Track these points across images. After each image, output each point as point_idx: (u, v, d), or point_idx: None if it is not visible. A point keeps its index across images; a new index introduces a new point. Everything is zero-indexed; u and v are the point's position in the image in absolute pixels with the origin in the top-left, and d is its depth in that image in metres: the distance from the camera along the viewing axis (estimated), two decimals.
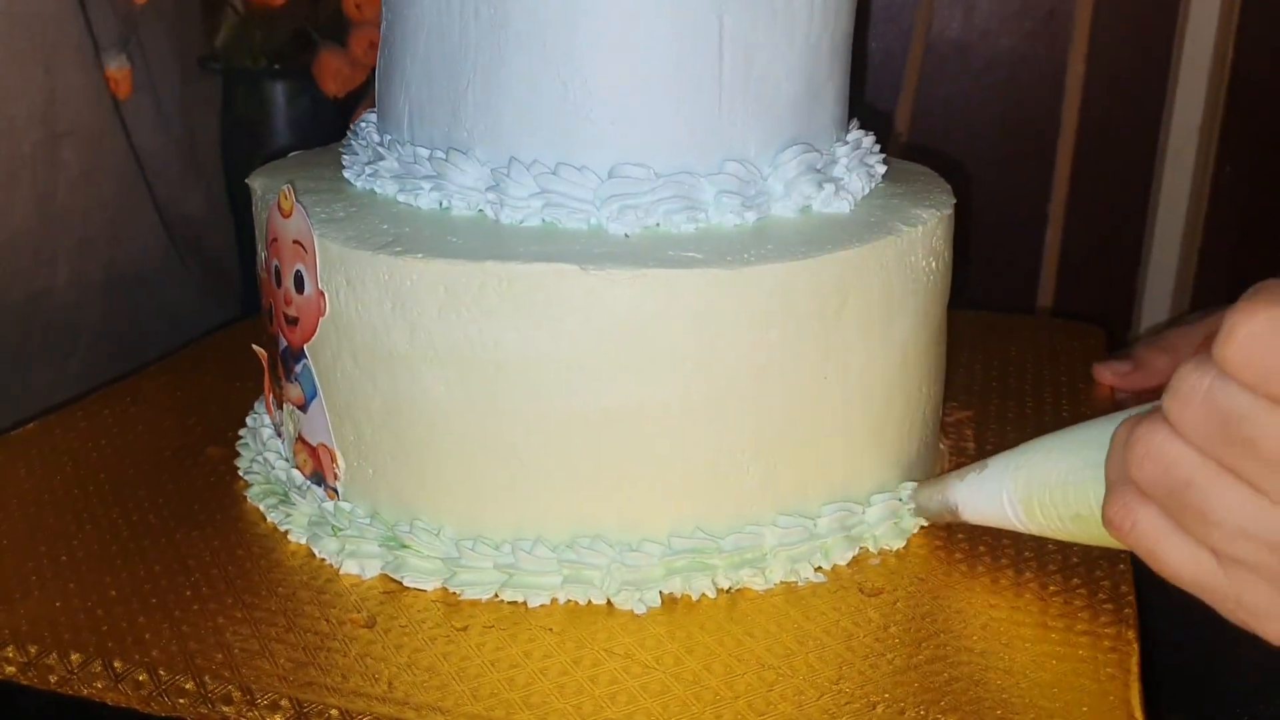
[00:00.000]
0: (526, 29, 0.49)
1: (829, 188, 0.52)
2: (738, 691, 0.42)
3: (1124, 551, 0.45)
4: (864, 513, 0.51)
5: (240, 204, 0.94)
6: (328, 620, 0.46)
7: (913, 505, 0.52)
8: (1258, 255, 1.04)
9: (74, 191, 0.81)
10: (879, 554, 0.51)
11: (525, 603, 0.48)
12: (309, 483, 0.54)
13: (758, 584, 0.48)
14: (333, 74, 0.90)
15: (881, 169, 0.57)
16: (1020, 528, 0.48)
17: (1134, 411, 0.40)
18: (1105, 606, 0.47)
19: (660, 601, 0.47)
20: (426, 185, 0.52)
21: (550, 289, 0.45)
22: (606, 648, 0.45)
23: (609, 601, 0.48)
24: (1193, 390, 0.33)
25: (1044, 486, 0.45)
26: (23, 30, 0.75)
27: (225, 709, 0.42)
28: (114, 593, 0.48)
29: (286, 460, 0.56)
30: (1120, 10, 1.02)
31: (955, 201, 0.55)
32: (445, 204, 0.51)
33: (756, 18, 0.49)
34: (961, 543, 0.52)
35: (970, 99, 1.05)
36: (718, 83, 0.49)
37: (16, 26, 0.74)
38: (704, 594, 0.48)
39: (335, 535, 0.51)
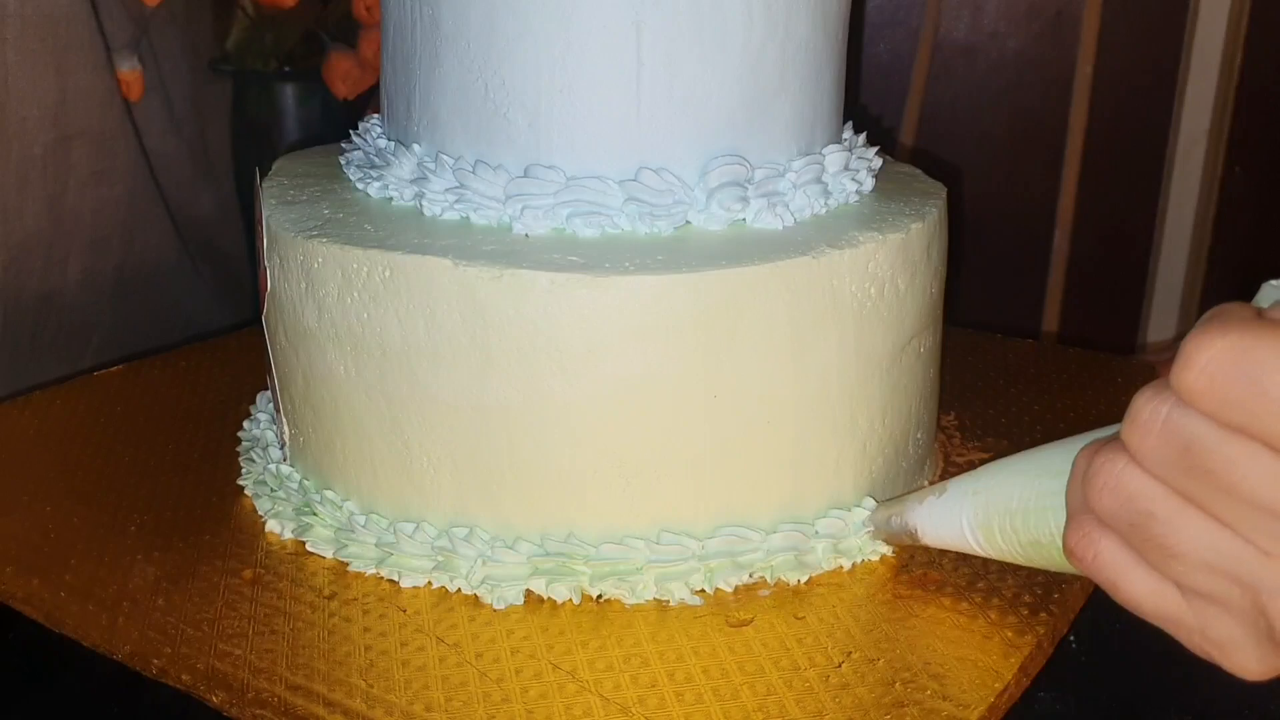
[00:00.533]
0: (454, 30, 0.50)
1: (759, 202, 0.50)
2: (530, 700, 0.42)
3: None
4: (763, 540, 0.49)
5: (250, 205, 0.94)
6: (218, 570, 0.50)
7: (871, 527, 0.51)
8: (1267, 257, 1.04)
9: (85, 193, 0.82)
10: (774, 585, 0.49)
11: (398, 581, 0.49)
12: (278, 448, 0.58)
13: (625, 596, 0.48)
14: (342, 76, 0.90)
15: (853, 185, 0.55)
16: (980, 552, 0.47)
17: (1097, 435, 0.39)
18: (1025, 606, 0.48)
19: (523, 600, 0.48)
20: (374, 175, 0.54)
21: (424, 280, 0.47)
22: (439, 634, 0.46)
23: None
24: (1151, 419, 0.32)
25: (1004, 512, 0.44)
26: (35, 33, 0.75)
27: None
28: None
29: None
30: (1128, 12, 1.02)
31: (917, 227, 0.53)
32: (387, 195, 0.54)
33: (679, 27, 0.49)
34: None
35: (978, 102, 1.05)
36: (636, 90, 0.49)
37: (29, 29, 0.75)
38: (569, 599, 0.48)
39: (269, 496, 0.55)
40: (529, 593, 0.49)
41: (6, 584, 0.50)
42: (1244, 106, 1.02)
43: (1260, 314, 0.32)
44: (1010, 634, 0.46)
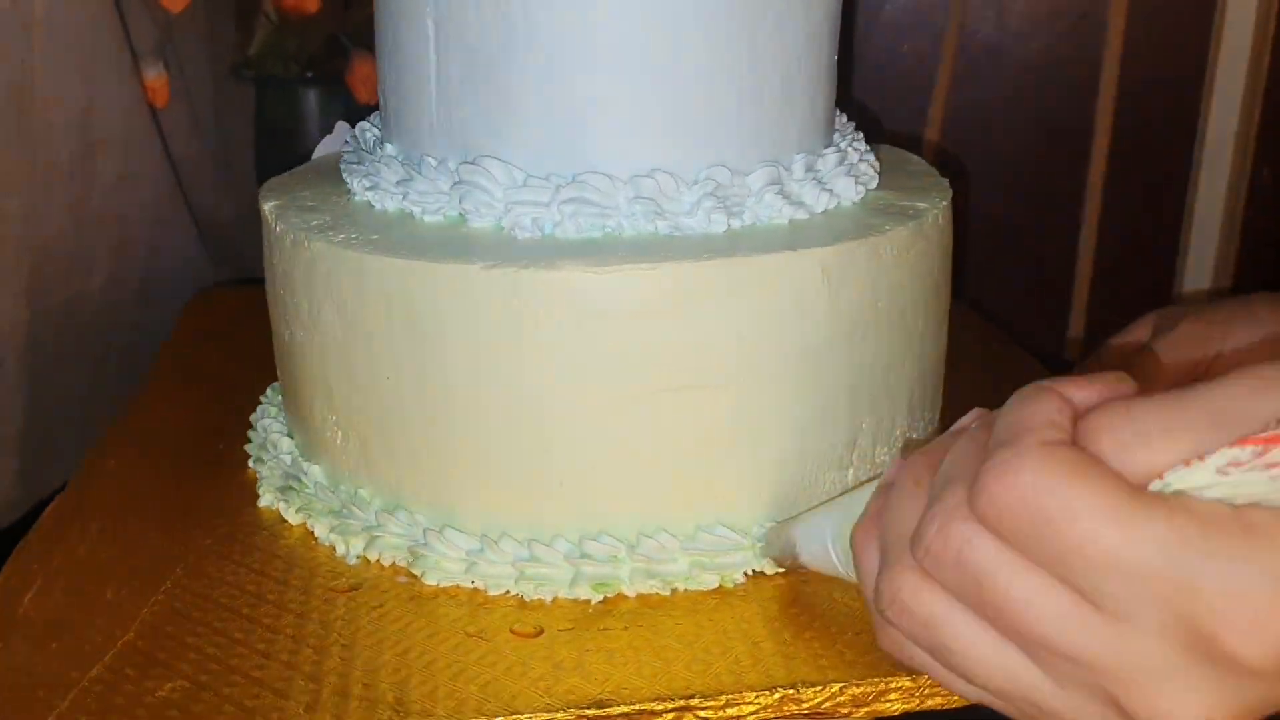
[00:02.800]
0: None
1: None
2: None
3: None
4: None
5: None
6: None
7: (761, 545, 0.49)
8: None
9: (110, 198, 0.83)
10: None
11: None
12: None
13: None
14: (364, 81, 0.90)
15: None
16: (843, 574, 0.44)
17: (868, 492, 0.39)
18: None
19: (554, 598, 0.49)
20: (367, 181, 0.56)
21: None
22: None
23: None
24: (944, 547, 0.31)
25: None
26: (61, 40, 0.76)
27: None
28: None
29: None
30: (1154, 12, 1.01)
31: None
32: (379, 200, 0.55)
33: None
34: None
35: (1002, 102, 1.04)
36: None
37: (55, 36, 0.75)
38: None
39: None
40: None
41: None
42: (1272, 108, 1.01)
43: (1072, 415, 0.31)
44: None
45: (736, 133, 0.52)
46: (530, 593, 0.49)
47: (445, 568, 0.50)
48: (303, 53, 0.93)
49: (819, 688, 0.42)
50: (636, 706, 0.42)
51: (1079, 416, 0.31)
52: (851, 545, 0.39)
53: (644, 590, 0.49)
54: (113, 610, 0.48)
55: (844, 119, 0.61)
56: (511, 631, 0.47)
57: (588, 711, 0.42)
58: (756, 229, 0.51)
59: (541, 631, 0.46)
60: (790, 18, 0.52)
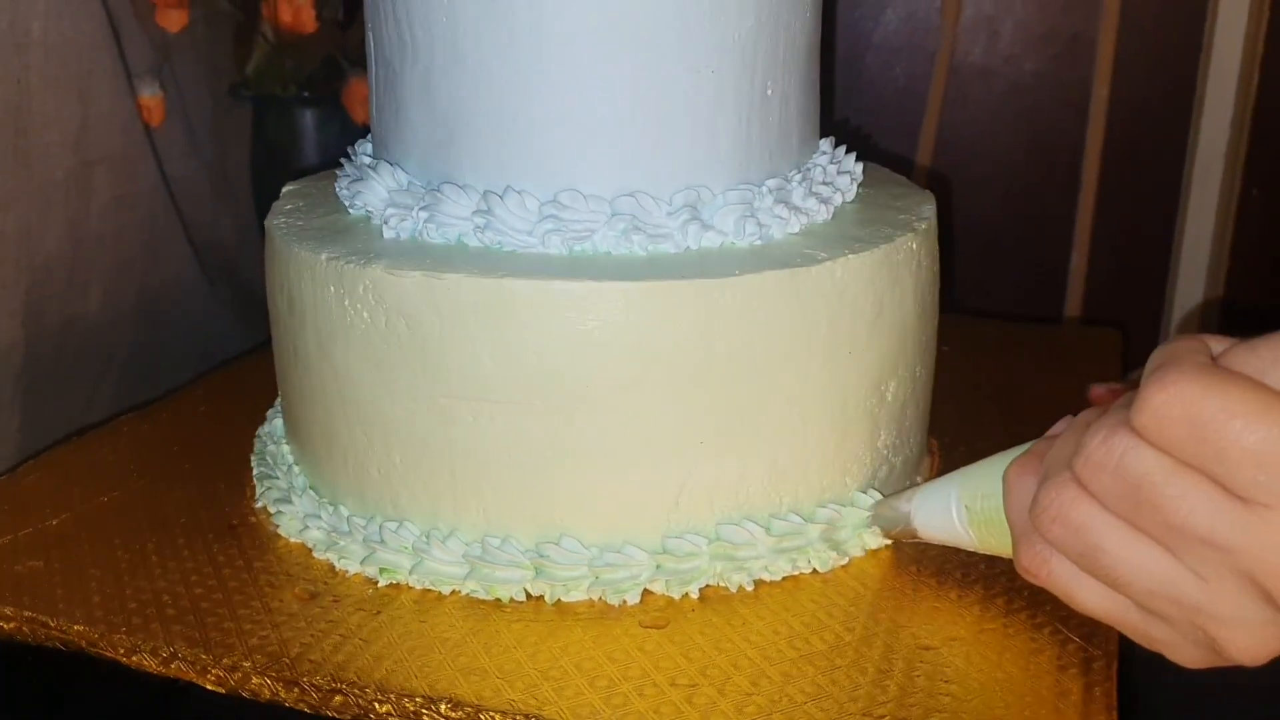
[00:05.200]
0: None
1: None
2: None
3: None
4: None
5: None
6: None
7: (872, 520, 0.53)
8: None
9: (106, 217, 0.83)
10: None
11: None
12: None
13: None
14: (362, 101, 0.91)
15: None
16: (969, 544, 0.49)
17: (1025, 449, 0.43)
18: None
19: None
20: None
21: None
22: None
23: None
24: (1106, 457, 0.35)
25: (989, 503, 0.46)
26: (58, 59, 0.76)
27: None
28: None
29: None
30: (1144, 33, 1.02)
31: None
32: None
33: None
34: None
35: (994, 124, 1.05)
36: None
37: (52, 55, 0.76)
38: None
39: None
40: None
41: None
42: (1261, 128, 1.02)
43: (1211, 354, 0.35)
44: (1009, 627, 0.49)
45: (714, 153, 0.53)
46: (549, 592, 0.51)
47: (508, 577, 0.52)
48: (300, 72, 0.93)
49: None
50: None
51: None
52: (1005, 480, 0.43)
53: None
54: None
55: (829, 141, 0.62)
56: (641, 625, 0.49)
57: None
58: (733, 247, 0.52)
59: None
60: (771, 40, 0.53)
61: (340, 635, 0.48)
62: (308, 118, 0.94)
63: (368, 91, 0.92)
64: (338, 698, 0.45)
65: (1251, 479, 0.33)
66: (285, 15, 0.91)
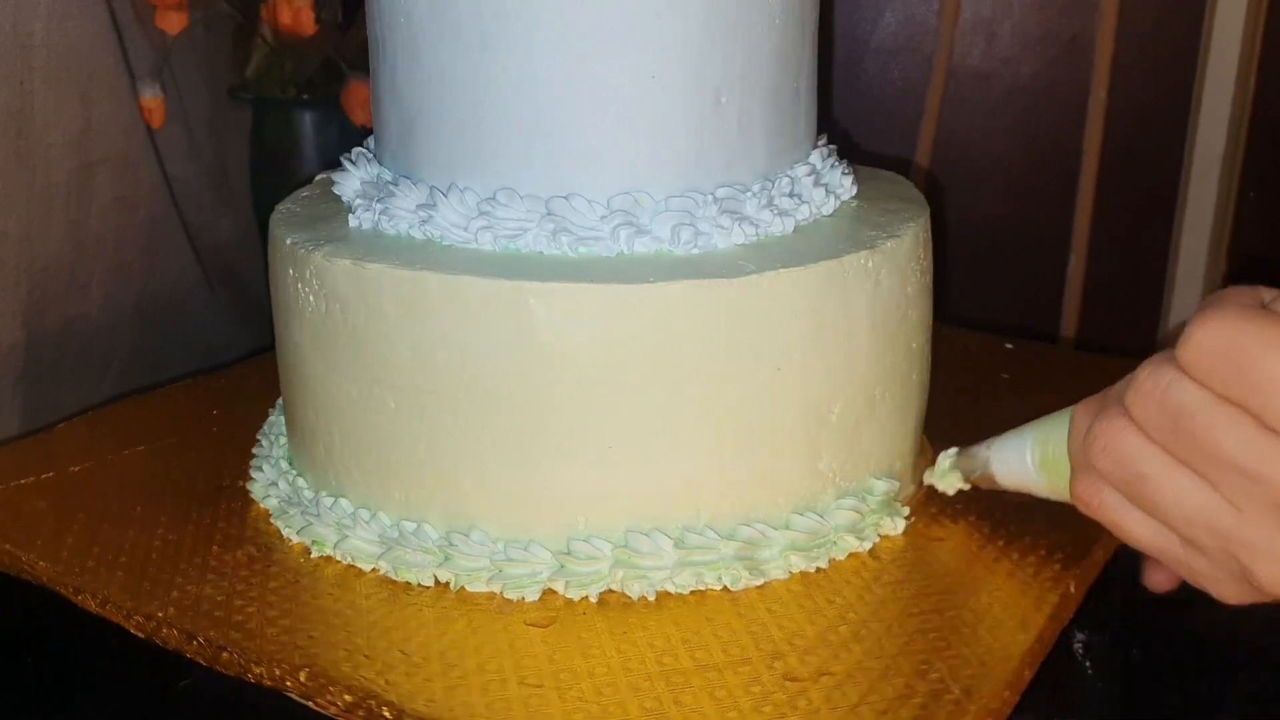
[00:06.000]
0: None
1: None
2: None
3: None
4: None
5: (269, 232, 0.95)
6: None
7: (954, 463, 0.55)
8: None
9: (107, 219, 0.83)
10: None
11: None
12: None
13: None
14: (361, 103, 0.91)
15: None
16: (1037, 485, 0.50)
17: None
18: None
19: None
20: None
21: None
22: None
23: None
24: (1153, 388, 0.38)
25: (1060, 441, 0.48)
26: (60, 61, 0.77)
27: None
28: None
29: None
30: (1142, 37, 1.02)
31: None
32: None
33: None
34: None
35: (992, 127, 1.05)
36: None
37: (54, 58, 0.76)
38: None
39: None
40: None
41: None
42: (1258, 131, 1.02)
43: (1261, 301, 0.37)
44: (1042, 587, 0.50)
45: (658, 160, 0.53)
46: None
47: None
48: (299, 75, 0.94)
49: None
50: None
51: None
52: (1073, 416, 0.45)
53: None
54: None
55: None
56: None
57: None
58: (668, 254, 0.52)
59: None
60: (726, 49, 0.52)
61: (252, 597, 0.51)
62: (307, 120, 0.94)
63: (366, 94, 0.92)
64: (224, 654, 0.47)
65: None
66: (285, 17, 0.92)
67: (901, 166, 0.98)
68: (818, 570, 0.52)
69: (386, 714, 0.43)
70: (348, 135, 0.93)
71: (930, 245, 0.58)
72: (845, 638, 0.47)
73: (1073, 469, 0.44)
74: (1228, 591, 0.40)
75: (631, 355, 0.49)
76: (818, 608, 0.49)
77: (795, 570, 0.52)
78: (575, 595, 0.50)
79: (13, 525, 0.57)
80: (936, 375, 0.61)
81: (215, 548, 0.55)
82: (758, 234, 0.53)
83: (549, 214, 0.51)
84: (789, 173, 0.57)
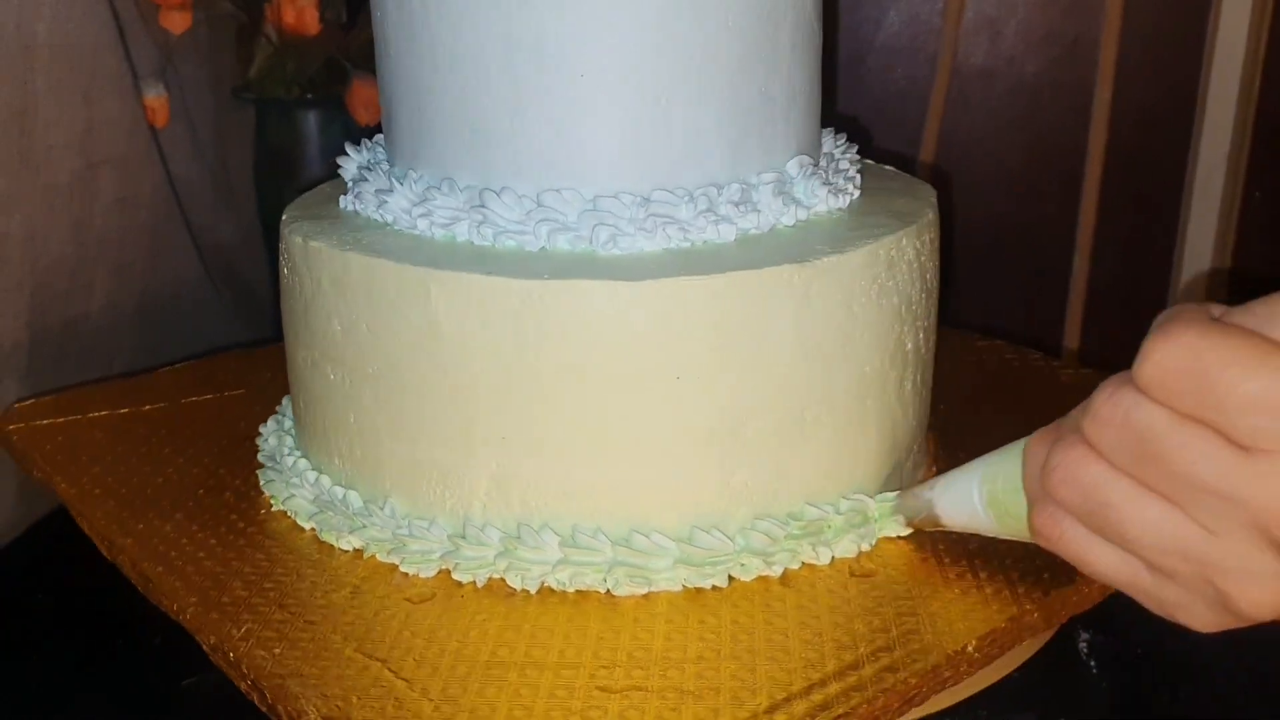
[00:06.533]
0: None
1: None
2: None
3: None
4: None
5: (273, 232, 0.95)
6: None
7: (895, 507, 0.54)
8: None
9: (110, 218, 0.83)
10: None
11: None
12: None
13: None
14: (365, 103, 0.91)
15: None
16: (990, 530, 0.49)
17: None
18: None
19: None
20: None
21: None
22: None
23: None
24: (1111, 412, 0.36)
25: (1007, 486, 0.46)
26: (63, 61, 0.77)
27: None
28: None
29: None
30: (1147, 36, 1.02)
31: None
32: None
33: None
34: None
35: (996, 127, 1.05)
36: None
37: (57, 57, 0.76)
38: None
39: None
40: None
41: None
42: (1263, 132, 1.02)
43: (1213, 316, 0.35)
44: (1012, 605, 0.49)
45: (649, 157, 0.53)
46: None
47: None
48: (303, 75, 0.94)
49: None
50: None
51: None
52: (1025, 451, 0.43)
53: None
54: None
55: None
56: None
57: None
58: (659, 251, 0.52)
59: None
60: (671, 51, 0.52)
61: (213, 544, 0.55)
62: (310, 120, 0.94)
63: (370, 94, 0.92)
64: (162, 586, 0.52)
65: (1252, 426, 0.33)
66: (288, 17, 0.92)
67: (906, 164, 0.98)
68: (713, 588, 0.51)
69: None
70: (351, 135, 0.93)
71: (918, 264, 0.56)
72: (681, 658, 0.46)
73: (1030, 502, 0.42)
74: (1201, 619, 0.38)
75: (525, 350, 0.49)
76: (685, 625, 0.49)
77: (688, 584, 0.51)
78: (464, 577, 0.52)
79: (69, 453, 0.64)
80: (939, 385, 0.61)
81: (200, 494, 0.60)
82: (687, 239, 0.52)
83: (479, 205, 0.53)
84: (754, 180, 0.55)
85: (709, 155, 0.54)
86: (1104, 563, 0.39)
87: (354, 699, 0.43)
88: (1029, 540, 0.44)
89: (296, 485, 0.58)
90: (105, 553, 0.58)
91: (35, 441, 0.66)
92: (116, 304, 0.85)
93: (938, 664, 0.46)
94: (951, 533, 0.52)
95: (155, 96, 0.87)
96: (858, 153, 0.64)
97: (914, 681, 0.45)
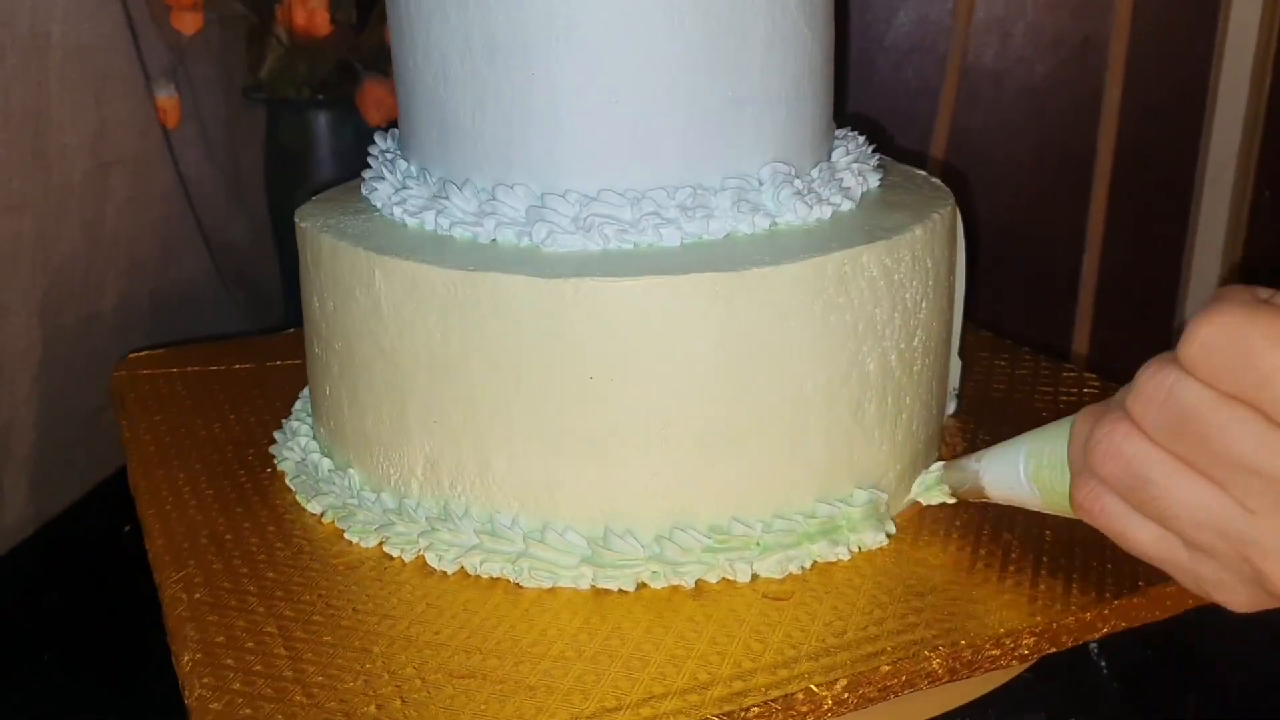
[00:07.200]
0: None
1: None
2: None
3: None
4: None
5: (283, 232, 0.95)
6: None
7: (941, 477, 0.54)
8: None
9: (122, 218, 0.83)
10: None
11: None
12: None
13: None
14: (375, 103, 0.91)
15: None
16: (1034, 503, 0.49)
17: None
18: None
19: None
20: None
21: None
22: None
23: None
24: (1155, 391, 0.36)
25: (1052, 461, 0.47)
26: (76, 62, 0.77)
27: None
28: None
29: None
30: (1156, 36, 1.02)
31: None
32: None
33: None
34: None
35: (1006, 126, 1.05)
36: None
37: (70, 58, 0.76)
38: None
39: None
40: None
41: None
42: (1273, 130, 1.02)
43: (1260, 299, 0.36)
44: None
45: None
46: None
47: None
48: (314, 75, 0.94)
49: None
50: None
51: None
52: (1074, 425, 0.43)
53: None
54: None
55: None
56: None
57: None
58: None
59: None
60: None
61: (209, 495, 0.60)
62: (321, 120, 0.94)
63: (381, 94, 0.93)
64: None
65: None
66: (299, 18, 0.92)
67: (916, 164, 0.98)
68: (620, 591, 0.51)
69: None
70: (362, 135, 0.93)
71: (886, 282, 0.53)
72: (543, 655, 0.47)
73: (1073, 476, 0.43)
74: (1237, 598, 0.39)
75: (451, 339, 0.51)
76: (570, 623, 0.49)
77: (643, 581, 0.51)
78: (394, 552, 0.54)
79: (153, 398, 0.71)
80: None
81: (230, 447, 0.65)
82: (629, 241, 0.51)
83: (442, 196, 0.55)
84: (706, 184, 0.53)
85: (660, 157, 0.53)
86: (1143, 539, 0.40)
87: (220, 639, 0.48)
88: (1071, 516, 0.45)
89: (290, 449, 0.62)
90: (131, 490, 0.62)
91: (132, 387, 0.73)
92: (128, 303, 0.85)
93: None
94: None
95: (167, 97, 0.87)
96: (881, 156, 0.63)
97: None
